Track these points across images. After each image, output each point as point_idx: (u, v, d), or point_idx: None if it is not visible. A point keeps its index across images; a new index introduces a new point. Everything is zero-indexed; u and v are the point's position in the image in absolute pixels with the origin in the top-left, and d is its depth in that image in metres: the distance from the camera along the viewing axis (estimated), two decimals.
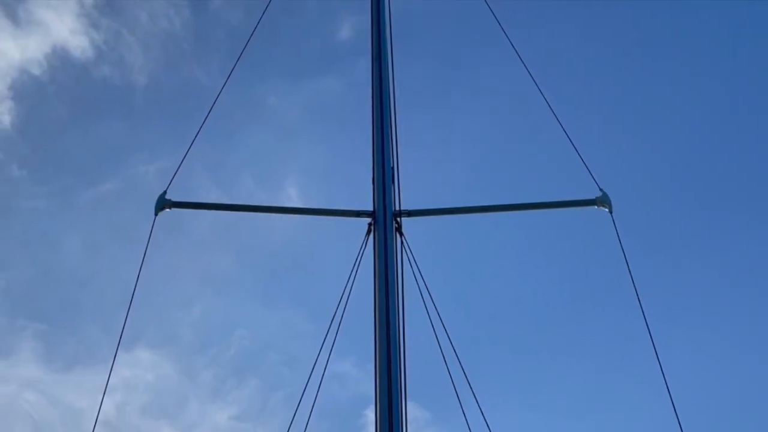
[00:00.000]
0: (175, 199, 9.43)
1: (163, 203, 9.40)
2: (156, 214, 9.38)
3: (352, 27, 18.26)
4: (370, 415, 7.87)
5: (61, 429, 19.33)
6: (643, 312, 9.15)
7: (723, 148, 21.76)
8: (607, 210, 9.43)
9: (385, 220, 8.87)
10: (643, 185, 20.45)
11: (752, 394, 19.30)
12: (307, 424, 8.67)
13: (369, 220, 8.99)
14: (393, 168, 9.34)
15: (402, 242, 8.85)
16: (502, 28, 11.49)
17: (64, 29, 21.56)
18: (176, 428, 19.37)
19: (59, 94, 22.22)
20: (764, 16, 22.04)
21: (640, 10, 22.31)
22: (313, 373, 8.75)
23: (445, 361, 8.67)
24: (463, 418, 8.51)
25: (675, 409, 8.62)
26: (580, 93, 20.68)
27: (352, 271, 8.88)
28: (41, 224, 21.52)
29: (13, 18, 21.72)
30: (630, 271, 9.35)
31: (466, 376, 8.63)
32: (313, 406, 8.72)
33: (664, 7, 22.18)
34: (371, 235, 8.89)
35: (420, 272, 8.80)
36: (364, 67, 10.50)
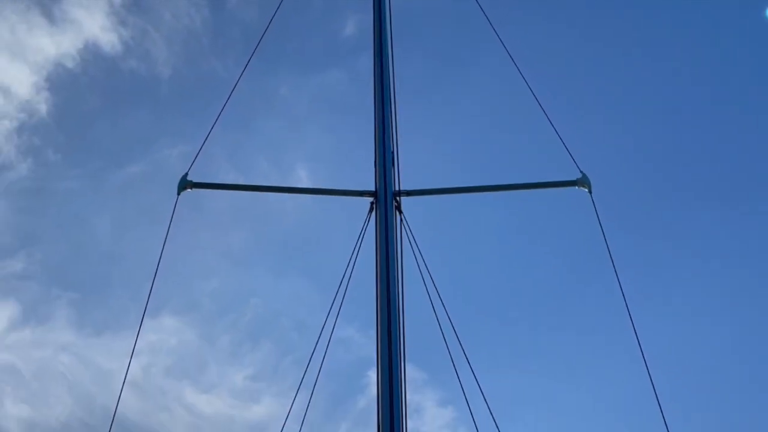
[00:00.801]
0: (196, 180, 9.43)
1: (185, 184, 9.39)
2: (178, 194, 9.38)
3: (356, 25, 18.18)
4: (372, 376, 7.89)
5: (93, 388, 19.37)
6: (620, 284, 9.18)
7: (695, 133, 21.76)
8: (587, 190, 9.43)
9: (386, 199, 8.88)
10: (620, 168, 20.44)
11: (720, 360, 19.37)
12: (315, 383, 8.72)
13: (371, 199, 9.00)
14: (393, 152, 9.34)
15: (401, 219, 8.86)
16: (493, 27, 11.48)
17: (95, 26, 21.54)
18: (197, 388, 19.41)
19: (91, 85, 22.20)
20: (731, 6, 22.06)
21: (621, 5, 22.32)
22: (320, 337, 8.81)
23: (440, 326, 8.70)
24: (457, 379, 8.55)
25: (649, 373, 8.66)
26: (563, 84, 20.65)
27: (355, 246, 8.91)
28: (74, 204, 21.53)
29: (49, 17, 21.69)
30: (608, 247, 9.38)
31: (459, 341, 8.65)
32: (320, 367, 8.77)
33: (642, 2, 22.22)
34: (373, 213, 8.90)
35: (417, 247, 8.82)
36: (366, 61, 10.47)
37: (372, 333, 8.13)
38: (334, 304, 8.86)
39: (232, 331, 20.00)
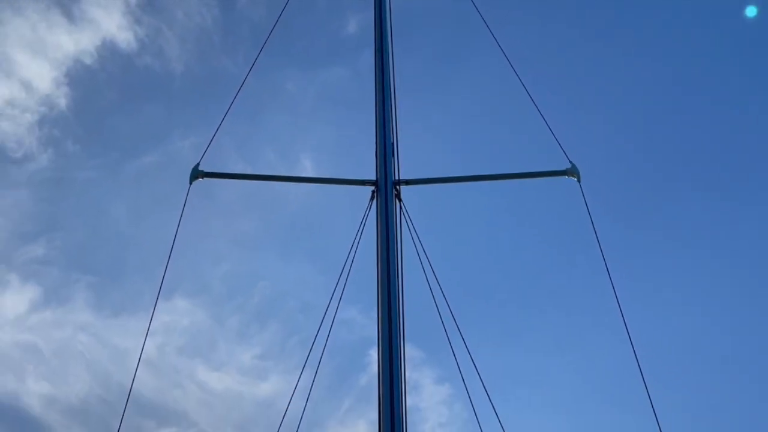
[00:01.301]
0: (207, 170, 9.43)
1: (196, 174, 9.39)
2: (190, 183, 9.38)
3: (358, 23, 18.18)
4: (373, 355, 7.91)
5: (110, 366, 19.41)
6: (607, 268, 9.20)
7: (680, 125, 21.77)
8: (576, 179, 9.45)
9: (386, 188, 8.89)
10: (609, 158, 20.46)
11: (702, 339, 19.43)
12: (320, 361, 8.73)
13: (372, 187, 9.00)
14: (393, 143, 9.35)
15: (401, 207, 8.87)
16: (487, 25, 11.46)
17: (112, 25, 21.52)
18: (208, 366, 19.45)
19: (108, 80, 22.20)
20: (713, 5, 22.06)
21: (609, 5, 22.32)
22: (324, 318, 8.82)
23: (437, 308, 8.72)
24: (453, 357, 8.57)
25: (634, 351, 8.68)
26: (555, 80, 20.63)
27: (358, 232, 8.92)
28: (92, 192, 21.55)
29: (69, 16, 21.67)
30: (596, 233, 9.39)
31: (455, 321, 8.67)
32: (324, 346, 8.79)
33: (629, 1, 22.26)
34: (374, 201, 8.91)
35: (416, 232, 8.83)
36: (368, 58, 10.47)
37: (373, 314, 8.15)
38: (337, 287, 8.87)
39: (240, 312, 20.04)
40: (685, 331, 19.47)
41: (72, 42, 21.46)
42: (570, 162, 9.56)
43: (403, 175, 9.11)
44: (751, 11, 20.58)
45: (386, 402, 7.43)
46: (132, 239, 20.72)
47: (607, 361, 18.09)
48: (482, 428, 8.48)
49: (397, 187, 8.99)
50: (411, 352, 8.05)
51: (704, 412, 18.47)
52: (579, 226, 9.61)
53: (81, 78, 21.75)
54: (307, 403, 8.76)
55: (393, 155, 9.26)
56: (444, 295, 8.76)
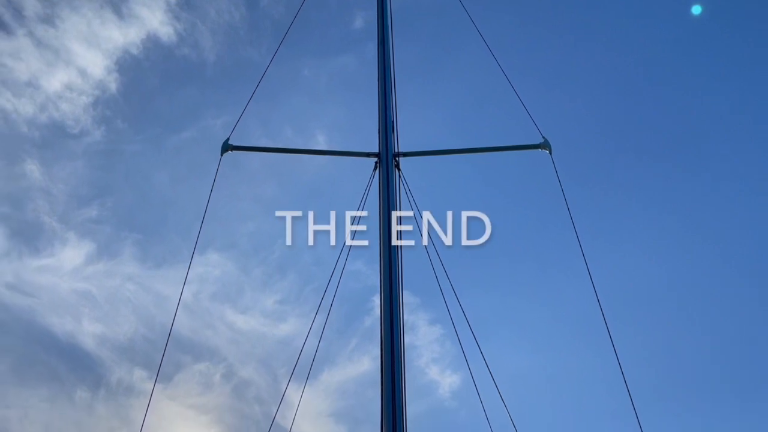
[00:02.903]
0: (235, 144, 9.44)
1: (226, 147, 9.40)
2: (221, 155, 9.39)
3: (364, 18, 18.08)
4: (376, 301, 7.95)
5: (153, 310, 19.45)
6: (574, 226, 9.25)
7: (637, 104, 21.75)
8: (548, 152, 9.46)
9: (387, 159, 8.90)
10: (576, 134, 20.44)
11: (656, 285, 19.52)
12: (331, 306, 8.79)
13: (375, 159, 9.01)
14: (393, 121, 9.35)
15: (399, 175, 8.89)
16: (472, 20, 11.45)
17: (155, 21, 21.39)
18: (236, 310, 19.52)
19: (151, 67, 22.08)
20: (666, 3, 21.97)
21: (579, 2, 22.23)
22: (334, 270, 8.87)
23: (430, 260, 8.78)
24: (444, 302, 8.64)
25: (597, 295, 8.75)
26: (530, 66, 20.55)
27: (363, 197, 8.95)
28: (138, 162, 21.50)
29: (118, 13, 21.52)
30: (565, 197, 9.43)
31: (445, 271, 8.73)
32: (335, 294, 8.84)
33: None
34: (377, 170, 8.93)
35: (413, 197, 8.87)
36: (372, 48, 10.45)
37: (376, 266, 8.19)
38: (345, 244, 8.92)
39: (263, 264, 20.07)
40: (643, 278, 19.55)
41: (121, 35, 21.36)
42: (543, 137, 9.57)
43: (402, 149, 9.12)
44: (696, 9, 20.74)
45: (387, 340, 7.49)
46: (172, 202, 20.73)
47: (576, 306, 18.14)
48: (468, 362, 8.57)
49: (397, 158, 9.00)
50: (408, 298, 8.11)
51: (659, 348, 18.60)
52: (551, 192, 9.64)
53: (129, 66, 21.67)
54: (320, 342, 8.84)
55: (393, 131, 9.26)
56: (436, 250, 8.82)
